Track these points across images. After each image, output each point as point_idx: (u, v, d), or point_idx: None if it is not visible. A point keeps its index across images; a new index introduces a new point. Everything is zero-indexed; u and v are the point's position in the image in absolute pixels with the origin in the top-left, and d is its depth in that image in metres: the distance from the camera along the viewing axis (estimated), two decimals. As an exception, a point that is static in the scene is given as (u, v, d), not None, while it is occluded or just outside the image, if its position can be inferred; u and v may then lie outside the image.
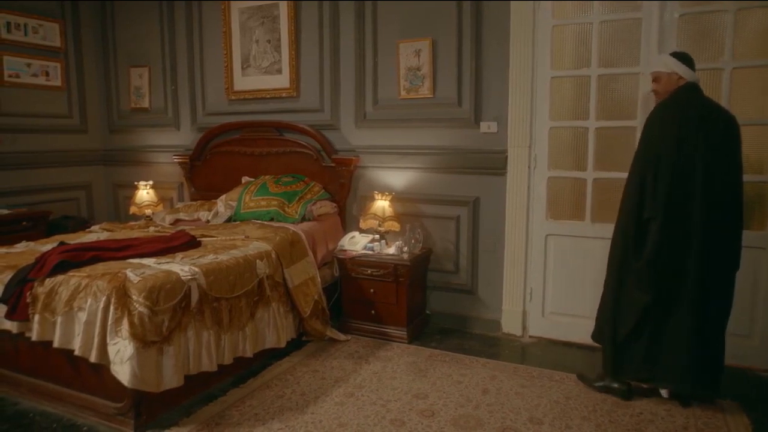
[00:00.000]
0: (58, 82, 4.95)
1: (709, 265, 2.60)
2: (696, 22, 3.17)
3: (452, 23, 3.72)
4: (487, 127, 3.71)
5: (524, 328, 3.75)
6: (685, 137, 2.58)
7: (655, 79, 2.79)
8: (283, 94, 4.41)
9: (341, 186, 4.18)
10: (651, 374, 2.71)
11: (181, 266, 2.76)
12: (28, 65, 4.71)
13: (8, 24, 4.53)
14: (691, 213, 2.58)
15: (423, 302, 3.96)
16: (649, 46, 3.26)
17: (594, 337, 2.97)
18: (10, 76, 4.57)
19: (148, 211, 4.66)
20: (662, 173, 2.59)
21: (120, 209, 5.39)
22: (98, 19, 5.23)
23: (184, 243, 3.22)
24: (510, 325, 3.77)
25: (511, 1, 3.54)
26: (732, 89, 3.13)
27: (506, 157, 3.67)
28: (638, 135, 3.26)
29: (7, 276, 2.74)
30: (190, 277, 2.68)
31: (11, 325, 2.68)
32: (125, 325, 2.40)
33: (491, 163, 3.71)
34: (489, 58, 3.67)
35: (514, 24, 3.55)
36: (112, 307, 2.42)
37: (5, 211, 4.24)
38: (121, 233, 3.64)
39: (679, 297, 2.63)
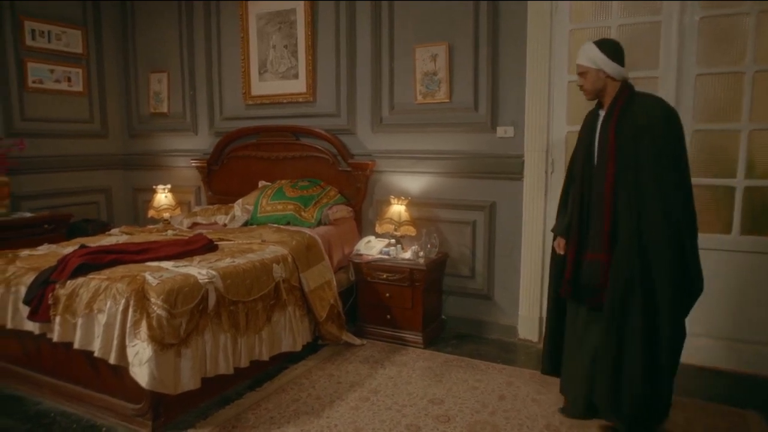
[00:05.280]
0: (79, 88, 5.04)
1: None
2: (717, 24, 3.13)
3: (469, 28, 3.72)
4: (504, 131, 3.69)
5: (541, 333, 3.72)
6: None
7: (581, 73, 2.47)
8: (300, 99, 4.44)
9: (357, 190, 4.19)
10: None
11: (198, 269, 2.79)
12: (51, 71, 4.80)
13: (33, 31, 4.63)
14: None
15: (439, 307, 3.95)
16: (669, 50, 3.22)
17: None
18: (33, 82, 4.67)
19: (166, 215, 4.71)
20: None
21: (139, 213, 5.46)
22: (119, 25, 5.32)
23: (201, 246, 3.25)
24: (526, 330, 3.74)
25: (529, 1, 3.51)
26: (755, 93, 3.08)
27: (523, 162, 3.64)
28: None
29: (30, 278, 2.79)
30: (207, 280, 2.71)
31: (33, 326, 2.73)
32: (144, 327, 2.42)
33: (508, 168, 3.69)
34: (506, 62, 3.65)
35: (531, 28, 3.53)
36: (131, 310, 2.45)
37: (28, 215, 4.32)
38: (140, 236, 3.69)
39: None
